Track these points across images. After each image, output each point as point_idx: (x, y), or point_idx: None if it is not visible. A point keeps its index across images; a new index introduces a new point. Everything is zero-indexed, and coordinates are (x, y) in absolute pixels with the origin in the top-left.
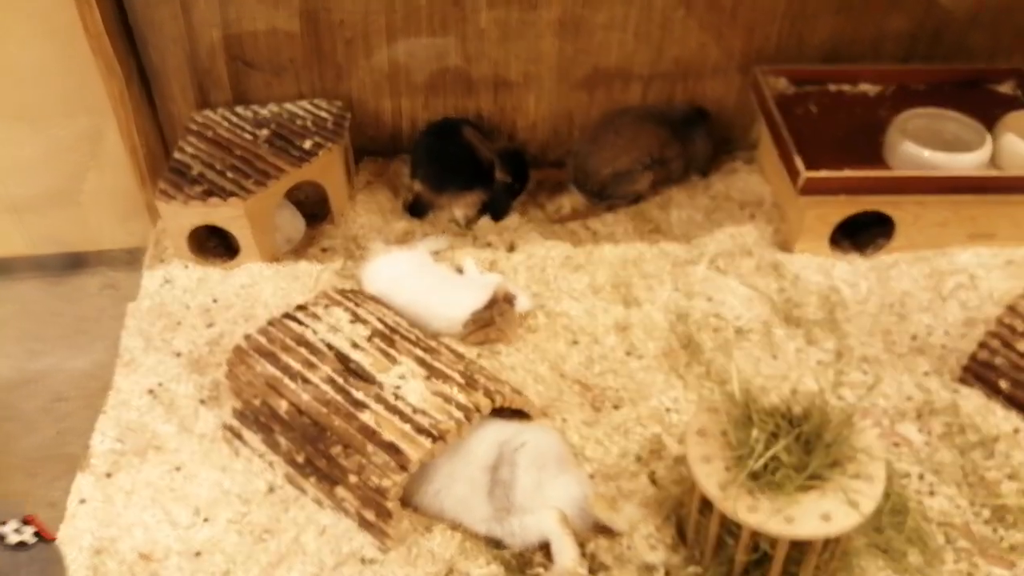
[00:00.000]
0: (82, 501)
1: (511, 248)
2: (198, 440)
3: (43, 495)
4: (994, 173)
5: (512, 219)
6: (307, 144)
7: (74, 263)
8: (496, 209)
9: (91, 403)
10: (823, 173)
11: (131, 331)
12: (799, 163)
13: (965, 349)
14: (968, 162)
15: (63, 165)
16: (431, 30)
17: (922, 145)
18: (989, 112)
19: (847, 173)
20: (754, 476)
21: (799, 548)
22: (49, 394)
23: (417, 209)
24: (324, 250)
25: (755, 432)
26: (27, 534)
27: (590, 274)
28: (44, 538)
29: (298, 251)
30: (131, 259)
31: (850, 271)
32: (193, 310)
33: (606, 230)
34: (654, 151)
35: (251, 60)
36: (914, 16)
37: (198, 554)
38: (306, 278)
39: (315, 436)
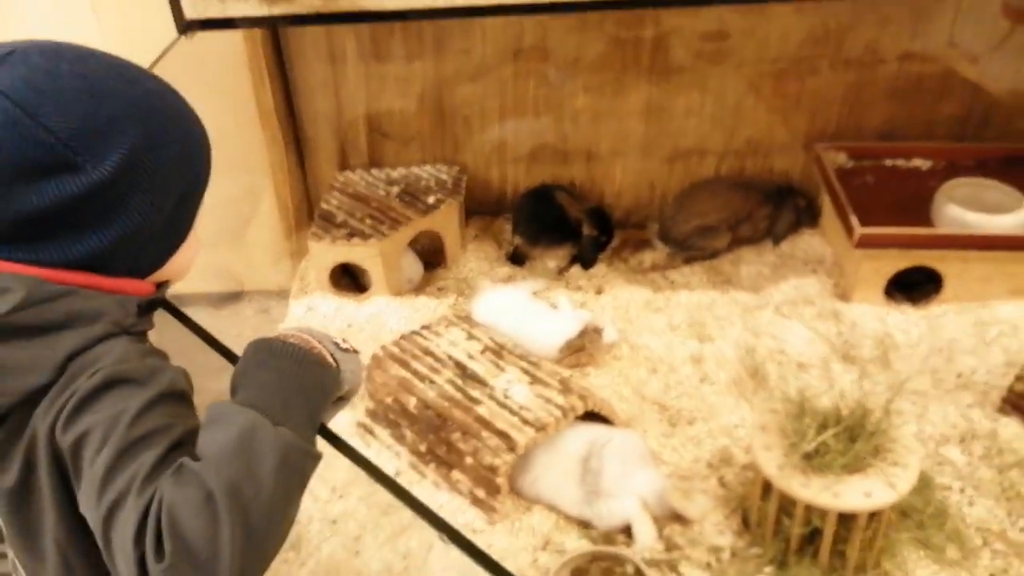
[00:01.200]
0: None
1: (599, 291)
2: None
3: None
4: None
5: (599, 268)
6: (431, 199)
7: (233, 298)
8: (585, 259)
9: None
10: (875, 229)
11: None
12: (854, 220)
13: (1006, 386)
14: (1005, 223)
15: (228, 216)
16: (535, 111)
17: (964, 207)
18: None
19: (897, 229)
20: (807, 458)
21: (846, 525)
22: (210, 394)
23: (517, 259)
24: (440, 289)
25: (807, 420)
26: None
27: (668, 315)
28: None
29: (418, 290)
30: (279, 295)
31: (903, 319)
32: (331, 332)
33: (682, 280)
34: (740, 213)
35: (386, 131)
36: (963, 102)
37: (334, 521)
38: (425, 310)
39: (438, 426)
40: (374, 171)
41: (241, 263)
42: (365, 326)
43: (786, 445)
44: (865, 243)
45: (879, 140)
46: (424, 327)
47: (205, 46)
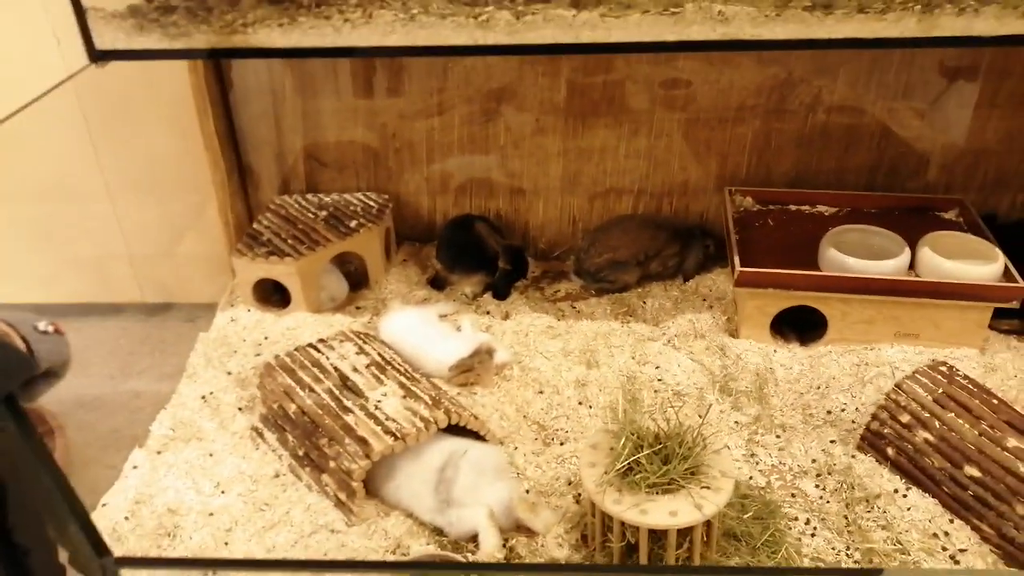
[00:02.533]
0: (135, 467)
1: (506, 316)
2: (231, 436)
3: (110, 460)
4: (903, 277)
5: (513, 298)
6: (353, 223)
7: (164, 308)
8: (497, 290)
9: (159, 402)
10: (755, 269)
11: (198, 353)
12: (737, 260)
13: None
14: (884, 268)
15: (173, 231)
16: (462, 148)
17: (847, 253)
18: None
19: (775, 270)
20: (622, 476)
21: (659, 543)
22: (131, 393)
23: (436, 283)
24: (358, 308)
25: (623, 441)
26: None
27: (565, 341)
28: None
29: (339, 308)
30: (211, 307)
31: (788, 356)
32: (248, 343)
33: (588, 310)
34: (649, 250)
35: (324, 160)
36: (871, 152)
37: (211, 514)
38: (339, 326)
39: (312, 431)
40: (309, 196)
41: (183, 277)
42: (280, 339)
43: (608, 463)
44: (744, 282)
45: (790, 187)
46: (320, 340)
47: (157, 74)
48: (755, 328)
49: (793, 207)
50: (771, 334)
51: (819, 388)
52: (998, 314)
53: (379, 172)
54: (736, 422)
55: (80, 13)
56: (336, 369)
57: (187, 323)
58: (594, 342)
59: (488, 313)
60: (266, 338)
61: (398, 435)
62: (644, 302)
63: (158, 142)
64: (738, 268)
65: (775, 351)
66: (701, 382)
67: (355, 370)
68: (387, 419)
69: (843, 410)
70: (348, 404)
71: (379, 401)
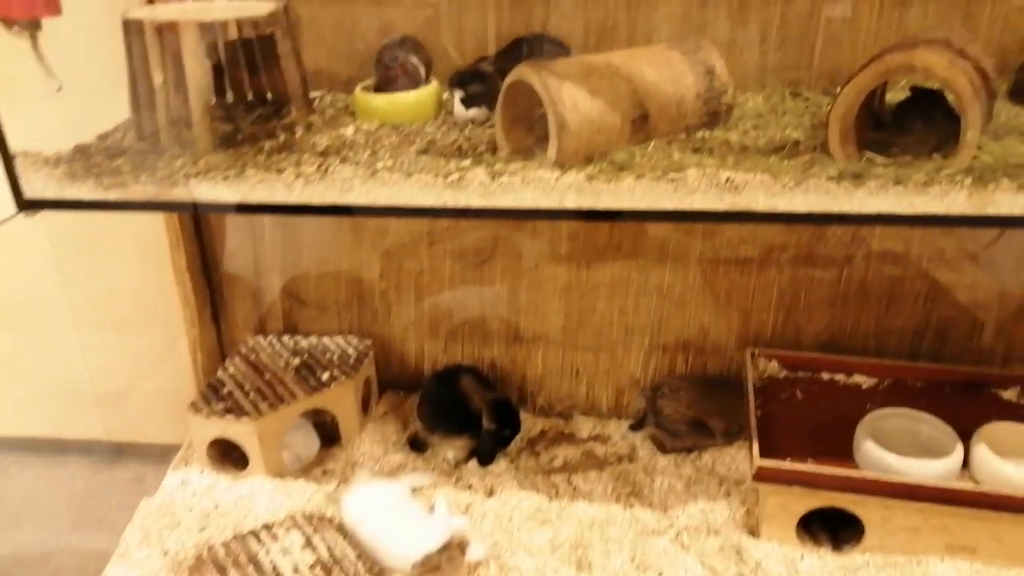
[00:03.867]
0: None
1: (489, 493)
2: None
3: None
4: (954, 484)
5: (501, 463)
6: (324, 376)
7: (119, 451)
8: (482, 455)
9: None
10: (775, 463)
11: (135, 525)
12: (756, 450)
13: None
14: (931, 470)
15: (140, 370)
16: (453, 288)
17: (886, 446)
18: (988, 418)
19: (801, 466)
20: None
21: None
22: (53, 568)
23: (416, 445)
24: (325, 472)
25: None
26: None
27: (555, 530)
28: None
29: (306, 470)
30: (166, 458)
31: (817, 565)
32: (194, 512)
33: (586, 487)
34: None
35: (303, 299)
36: (916, 313)
37: None
38: (299, 496)
39: None
40: (285, 338)
41: (151, 417)
42: (231, 509)
43: None
44: (764, 477)
45: (822, 351)
46: (265, 527)
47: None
48: (779, 527)
49: (825, 375)
50: (799, 533)
51: None
52: None
53: (363, 312)
54: None
55: (8, 160)
56: (275, 569)
57: (135, 483)
58: (589, 533)
59: (470, 488)
60: (216, 507)
61: None
62: (652, 479)
63: (128, 273)
64: (756, 461)
65: (802, 557)
66: None
67: (296, 571)
68: None
69: None
70: None
71: None
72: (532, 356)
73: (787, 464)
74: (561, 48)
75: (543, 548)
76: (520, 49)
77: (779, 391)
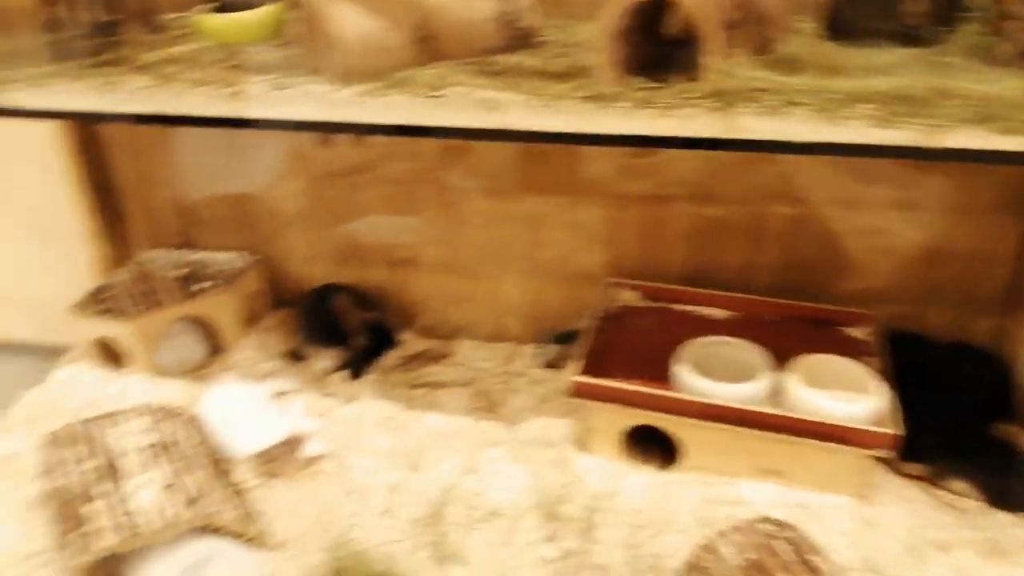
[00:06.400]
0: None
1: (350, 400)
2: (16, 503)
3: None
4: (757, 408)
5: (373, 378)
6: (205, 285)
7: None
8: (352, 367)
9: None
10: (592, 380)
11: (15, 411)
12: (575, 368)
13: None
14: (738, 392)
15: (45, 275)
16: (341, 212)
17: (705, 373)
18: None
19: (615, 383)
20: None
21: None
22: None
23: (295, 357)
24: (201, 375)
25: None
26: None
27: (399, 439)
28: None
29: (186, 374)
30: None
31: (640, 482)
32: (73, 403)
33: (444, 400)
34: None
35: (198, 217)
36: (792, 255)
37: None
38: (170, 392)
39: (56, 517)
40: (178, 252)
41: (50, 320)
42: (106, 403)
43: None
44: (580, 393)
45: (683, 283)
46: (117, 412)
47: (28, 128)
48: (606, 444)
49: (680, 307)
50: (630, 452)
51: (655, 525)
52: (906, 454)
53: (256, 232)
54: (541, 557)
55: None
56: (107, 449)
57: (28, 376)
58: (430, 442)
59: (332, 395)
60: (92, 402)
61: (130, 531)
62: (509, 398)
63: (31, 183)
64: (573, 376)
65: (627, 474)
66: (527, 503)
67: (126, 452)
68: (129, 512)
69: (672, 555)
70: (96, 491)
71: (133, 491)
72: (418, 279)
73: (604, 382)
74: None
75: (382, 451)
76: None
77: (632, 319)
